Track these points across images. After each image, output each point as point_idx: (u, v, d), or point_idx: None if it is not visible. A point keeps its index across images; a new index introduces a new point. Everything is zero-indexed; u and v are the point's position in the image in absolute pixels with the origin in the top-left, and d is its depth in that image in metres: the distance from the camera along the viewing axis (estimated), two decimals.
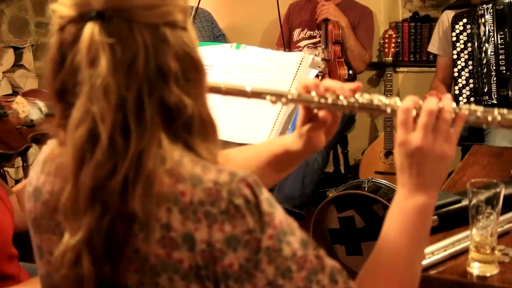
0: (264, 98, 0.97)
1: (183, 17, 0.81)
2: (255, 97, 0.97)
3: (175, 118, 0.79)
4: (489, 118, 0.91)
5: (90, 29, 0.75)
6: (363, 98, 0.95)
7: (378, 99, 0.94)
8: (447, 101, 0.90)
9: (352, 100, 0.95)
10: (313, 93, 0.97)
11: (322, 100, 0.96)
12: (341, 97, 0.96)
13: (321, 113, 1.01)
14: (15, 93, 3.49)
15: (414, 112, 0.89)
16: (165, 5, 0.79)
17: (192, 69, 0.80)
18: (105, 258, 0.77)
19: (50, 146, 0.89)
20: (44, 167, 0.86)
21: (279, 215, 0.79)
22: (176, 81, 0.78)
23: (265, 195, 0.79)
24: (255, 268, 0.76)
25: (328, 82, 0.99)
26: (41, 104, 1.77)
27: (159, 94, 0.77)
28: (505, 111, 0.92)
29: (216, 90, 0.94)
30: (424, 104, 0.89)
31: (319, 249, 0.82)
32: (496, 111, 0.91)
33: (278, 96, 0.97)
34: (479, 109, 0.91)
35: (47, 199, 0.84)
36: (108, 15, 0.76)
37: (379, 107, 0.93)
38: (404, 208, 0.89)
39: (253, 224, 0.76)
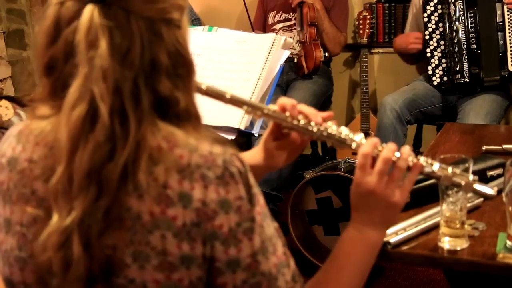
0: (241, 107, 1.01)
1: (179, 15, 0.84)
2: (232, 104, 1.00)
3: (166, 108, 0.81)
4: (443, 175, 0.99)
5: (90, 11, 0.77)
6: (332, 128, 1.01)
7: (346, 133, 1.00)
8: (405, 151, 0.96)
9: (321, 128, 1.01)
10: (287, 113, 1.02)
11: (295, 122, 1.01)
12: (312, 123, 1.01)
13: (293, 134, 1.07)
14: None
15: (376, 152, 0.96)
16: (164, 2, 0.81)
17: (182, 66, 0.83)
18: (98, 237, 0.77)
19: (23, 122, 0.89)
20: (20, 137, 0.86)
21: (262, 198, 0.84)
22: (168, 75, 0.81)
23: (252, 175, 0.83)
24: (244, 234, 0.80)
25: (304, 107, 1.03)
26: (22, 113, 1.75)
27: (153, 85, 0.80)
28: (457, 171, 0.99)
29: (197, 89, 0.96)
30: (382, 152, 0.95)
31: (286, 248, 0.87)
32: (450, 169, 0.99)
33: (254, 108, 1.01)
34: (435, 164, 0.98)
35: (24, 167, 0.83)
36: (108, 0, 0.78)
37: (345, 140, 1.00)
38: (355, 240, 0.97)
39: (244, 193, 0.80)
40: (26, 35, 3.74)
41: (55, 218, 0.77)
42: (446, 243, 1.17)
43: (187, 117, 0.83)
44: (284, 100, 1.03)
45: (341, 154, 3.28)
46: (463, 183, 0.99)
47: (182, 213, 0.77)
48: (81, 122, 0.76)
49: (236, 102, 1.00)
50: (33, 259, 0.81)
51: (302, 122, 1.01)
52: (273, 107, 1.02)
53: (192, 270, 0.79)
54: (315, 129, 1.00)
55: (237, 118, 1.66)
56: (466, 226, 1.18)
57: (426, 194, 1.33)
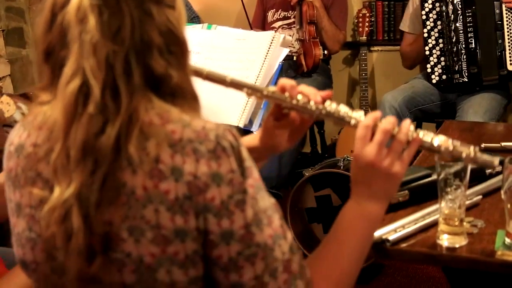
0: (241, 90, 1.03)
1: None
2: (233, 87, 1.02)
3: (161, 86, 0.84)
4: (442, 148, 0.97)
5: None
6: (331, 107, 1.01)
7: (345, 110, 1.00)
8: (405, 124, 0.96)
9: (320, 106, 1.01)
10: (287, 94, 1.02)
11: (294, 101, 1.02)
12: (312, 102, 1.01)
13: (293, 114, 1.08)
14: None
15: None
16: None
17: (175, 44, 0.85)
18: (96, 210, 0.79)
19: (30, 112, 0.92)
20: (26, 124, 0.90)
21: (257, 172, 0.86)
22: (160, 53, 0.83)
23: (245, 149, 0.84)
24: (236, 206, 0.81)
25: (304, 87, 1.04)
26: (23, 106, 1.74)
27: (145, 62, 0.82)
28: (458, 143, 0.98)
29: (198, 74, 0.99)
30: (381, 124, 0.95)
31: (283, 221, 0.88)
32: (450, 141, 0.97)
33: (254, 91, 1.03)
34: (435, 138, 0.97)
35: (30, 151, 0.87)
36: None
37: (344, 118, 1.00)
38: (355, 213, 0.97)
39: (236, 166, 0.82)
40: (25, 33, 3.73)
41: (56, 192, 0.80)
42: (444, 240, 1.17)
43: (182, 95, 0.85)
44: (284, 81, 1.04)
45: (340, 152, 3.28)
46: (464, 155, 0.97)
47: (174, 186, 0.79)
48: (74, 97, 0.79)
49: (236, 85, 1.02)
50: (42, 238, 0.84)
51: (301, 101, 1.01)
52: (273, 88, 1.04)
53: (186, 243, 0.80)
54: (314, 108, 1.01)
55: (236, 116, 1.66)
56: (464, 223, 1.18)
57: (424, 192, 1.34)
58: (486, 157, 0.98)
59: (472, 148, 0.98)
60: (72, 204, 0.79)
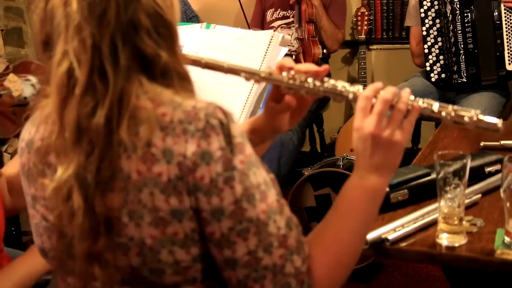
0: (239, 75, 1.04)
1: None
2: (231, 72, 1.04)
3: (151, 67, 0.85)
4: (443, 113, 0.95)
5: None
6: (328, 83, 1.00)
7: (343, 85, 0.99)
8: (404, 93, 0.95)
9: (317, 83, 1.01)
10: (284, 74, 1.03)
11: (291, 81, 1.02)
12: (309, 80, 1.01)
13: (287, 97, 1.08)
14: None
15: (374, 100, 0.94)
16: None
17: (162, 26, 0.86)
18: (95, 190, 0.82)
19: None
20: (34, 120, 0.93)
21: (250, 148, 0.86)
22: (149, 34, 0.84)
23: (237, 126, 0.85)
24: (225, 183, 0.82)
25: (301, 65, 1.04)
26: (34, 80, 1.70)
27: (133, 43, 0.84)
28: (458, 108, 0.96)
29: (197, 63, 1.01)
30: (380, 93, 0.94)
31: (281, 197, 0.88)
32: (450, 107, 0.96)
33: (251, 74, 1.03)
34: (435, 104, 0.96)
35: (39, 145, 0.90)
36: None
37: (342, 92, 0.99)
38: (357, 186, 0.95)
39: (224, 144, 0.82)
40: (24, 33, 3.73)
41: (59, 172, 0.84)
42: (444, 239, 1.17)
43: (173, 76, 0.86)
44: (283, 61, 1.04)
45: (339, 151, 3.28)
46: (466, 119, 0.94)
47: (166, 168, 0.81)
48: (63, 79, 0.82)
49: (234, 70, 1.04)
50: (54, 221, 0.87)
51: (298, 80, 1.02)
52: (270, 69, 1.05)
53: (184, 223, 0.82)
54: (311, 86, 1.01)
55: (236, 115, 1.66)
56: (464, 222, 1.18)
57: (424, 191, 1.34)
58: (489, 119, 0.95)
59: (474, 111, 0.95)
60: (72, 184, 0.82)
